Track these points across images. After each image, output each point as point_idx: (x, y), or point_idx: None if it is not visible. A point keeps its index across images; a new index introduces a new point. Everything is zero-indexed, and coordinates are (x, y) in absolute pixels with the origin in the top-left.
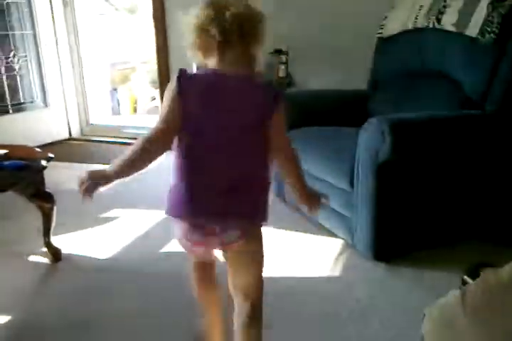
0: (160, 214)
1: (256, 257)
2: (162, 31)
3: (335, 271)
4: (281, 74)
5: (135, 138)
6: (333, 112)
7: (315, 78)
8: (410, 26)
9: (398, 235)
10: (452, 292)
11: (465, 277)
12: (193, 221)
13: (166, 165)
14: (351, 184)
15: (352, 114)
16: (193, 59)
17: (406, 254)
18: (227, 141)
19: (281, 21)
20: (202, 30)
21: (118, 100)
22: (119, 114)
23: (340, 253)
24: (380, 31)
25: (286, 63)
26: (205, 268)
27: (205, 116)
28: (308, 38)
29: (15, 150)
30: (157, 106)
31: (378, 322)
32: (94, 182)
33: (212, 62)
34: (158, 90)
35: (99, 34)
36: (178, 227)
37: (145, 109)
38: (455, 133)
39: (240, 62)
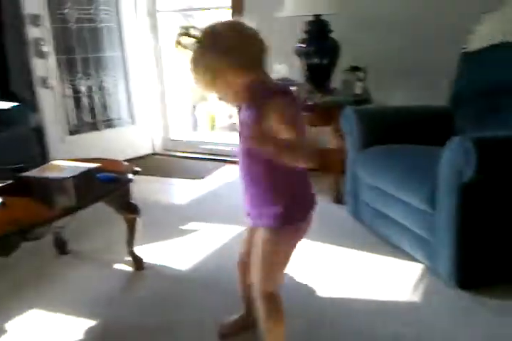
0: (234, 228)
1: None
2: None
3: (415, 296)
4: (358, 91)
5: (213, 154)
6: (413, 129)
7: (393, 95)
8: (498, 40)
9: (485, 262)
10: None
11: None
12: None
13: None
14: (432, 205)
15: (432, 131)
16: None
17: (493, 284)
18: None
19: (359, 38)
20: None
21: (196, 117)
22: (196, 130)
23: (420, 279)
24: (465, 46)
25: (363, 80)
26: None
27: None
28: (386, 54)
29: (105, 164)
30: (234, 123)
31: None
32: None
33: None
34: (235, 108)
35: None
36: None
37: (222, 126)
38: None
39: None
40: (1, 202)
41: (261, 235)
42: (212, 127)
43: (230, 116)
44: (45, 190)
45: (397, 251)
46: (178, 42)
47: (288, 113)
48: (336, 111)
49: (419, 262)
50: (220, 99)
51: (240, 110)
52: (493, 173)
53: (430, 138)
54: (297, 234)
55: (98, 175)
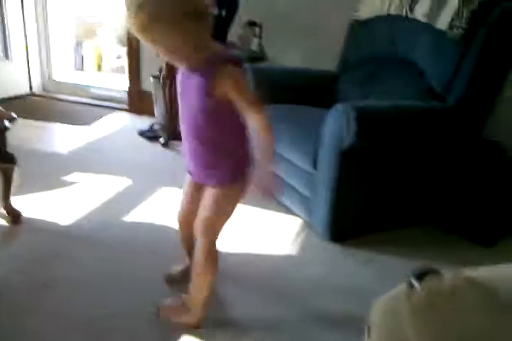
0: (119, 181)
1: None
2: None
3: (291, 248)
4: (254, 47)
5: (101, 99)
6: (302, 90)
7: (287, 54)
8: (384, 12)
9: (355, 217)
10: (399, 288)
11: (411, 279)
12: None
13: (130, 131)
14: (314, 166)
15: (320, 93)
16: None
17: (361, 235)
18: None
19: None
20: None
21: (82, 56)
22: (82, 69)
23: (298, 232)
24: (356, 14)
25: (259, 36)
26: None
27: None
28: (283, 13)
29: None
30: (123, 66)
31: (326, 301)
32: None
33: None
34: (125, 48)
35: None
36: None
37: (110, 67)
38: (417, 124)
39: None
40: None
41: (211, 190)
42: (99, 67)
43: (119, 57)
44: None
45: (280, 207)
46: None
47: (243, 81)
48: None
49: (300, 217)
50: (159, 55)
51: (178, 71)
52: (370, 141)
53: (317, 99)
54: (243, 190)
55: None
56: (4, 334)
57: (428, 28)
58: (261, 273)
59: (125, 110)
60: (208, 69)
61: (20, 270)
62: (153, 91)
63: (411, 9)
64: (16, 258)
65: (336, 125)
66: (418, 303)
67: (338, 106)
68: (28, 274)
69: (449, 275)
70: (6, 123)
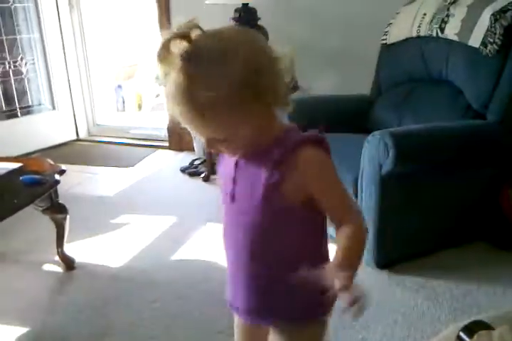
0: (166, 220)
1: None
2: (167, 25)
3: None
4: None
5: (142, 139)
6: (335, 118)
7: (319, 83)
8: (414, 34)
9: (401, 242)
10: (449, 331)
11: (461, 333)
12: None
13: (172, 168)
14: (355, 194)
15: (356, 118)
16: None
17: (409, 260)
18: None
19: (287, 27)
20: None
21: (123, 97)
22: (123, 110)
23: None
24: (384, 37)
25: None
26: None
27: None
28: (312, 41)
29: (28, 163)
30: (161, 104)
31: (376, 331)
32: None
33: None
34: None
35: (104, 32)
36: None
37: (150, 106)
38: (458, 143)
39: None
40: None
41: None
42: (140, 107)
43: (157, 95)
44: None
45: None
46: (167, 49)
47: (328, 167)
48: None
49: None
50: (211, 145)
51: (223, 159)
52: (411, 165)
53: (354, 126)
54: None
55: (21, 178)
56: None
57: (461, 46)
58: None
59: (166, 148)
60: (278, 153)
61: (78, 317)
62: None
63: (441, 29)
64: (73, 305)
65: (374, 152)
66: None
67: (376, 133)
68: (86, 322)
69: (500, 330)
70: (57, 176)
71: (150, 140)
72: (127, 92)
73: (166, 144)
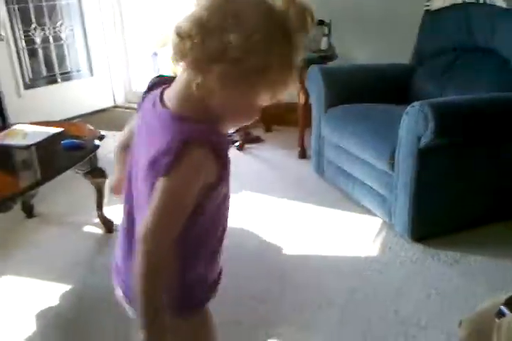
0: None
1: None
2: None
3: (371, 249)
4: (323, 46)
5: None
6: (375, 87)
7: (357, 51)
8: (459, 0)
9: (437, 216)
10: (489, 310)
11: (502, 308)
12: None
13: None
14: (392, 166)
15: (395, 88)
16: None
17: (444, 235)
18: None
19: None
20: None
21: (158, 64)
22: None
23: (378, 233)
24: (428, 3)
25: (328, 35)
26: None
27: None
28: (352, 9)
29: (69, 128)
30: None
31: (410, 305)
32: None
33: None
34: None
35: None
36: None
37: None
38: (500, 117)
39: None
40: None
41: None
42: (175, 73)
43: None
44: (10, 160)
45: (358, 207)
46: None
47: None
48: (302, 68)
49: (379, 217)
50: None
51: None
52: (450, 138)
53: (391, 95)
54: None
55: (62, 142)
56: None
57: (509, 13)
58: (343, 276)
59: None
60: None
61: None
62: None
63: None
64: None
65: (413, 123)
66: (508, 333)
67: (415, 104)
68: None
69: None
70: (97, 141)
71: None
72: (162, 59)
73: None
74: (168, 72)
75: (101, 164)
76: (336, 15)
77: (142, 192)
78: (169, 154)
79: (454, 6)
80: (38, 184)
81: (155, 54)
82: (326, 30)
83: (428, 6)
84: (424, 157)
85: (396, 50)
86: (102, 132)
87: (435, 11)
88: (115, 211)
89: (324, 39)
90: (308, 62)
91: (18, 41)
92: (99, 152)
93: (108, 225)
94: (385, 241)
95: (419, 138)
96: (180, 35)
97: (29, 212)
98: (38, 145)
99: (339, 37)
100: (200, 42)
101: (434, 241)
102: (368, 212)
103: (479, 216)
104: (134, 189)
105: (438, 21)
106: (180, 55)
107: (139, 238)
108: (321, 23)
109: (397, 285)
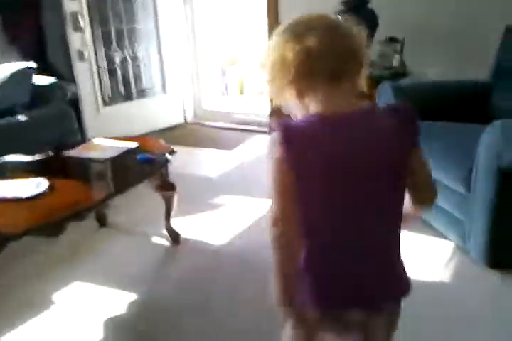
0: (264, 203)
1: None
2: (274, 10)
3: (444, 275)
4: (395, 63)
5: (243, 124)
6: (452, 105)
7: (431, 68)
8: None
9: None
10: None
11: None
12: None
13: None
14: (468, 187)
15: (473, 107)
16: (281, 99)
17: None
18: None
19: (398, 9)
20: (306, 65)
21: (226, 83)
22: (226, 95)
23: (451, 257)
24: None
25: (400, 52)
26: None
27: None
28: (425, 26)
29: (143, 143)
30: (262, 90)
31: (488, 337)
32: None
33: (311, 102)
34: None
35: (213, 21)
36: None
37: (252, 91)
38: None
39: (349, 96)
40: (49, 185)
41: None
42: (242, 91)
43: (259, 81)
44: (89, 172)
45: (431, 229)
46: None
47: (270, 158)
48: (372, 85)
49: (451, 241)
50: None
51: None
52: None
53: (469, 114)
54: None
55: (138, 157)
56: None
57: None
58: (415, 302)
59: (265, 132)
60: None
61: (180, 290)
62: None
63: None
64: (176, 278)
65: (493, 143)
66: None
67: (496, 123)
68: (187, 294)
69: None
70: (168, 156)
71: (250, 124)
72: (231, 78)
73: (266, 129)
74: (235, 90)
75: (171, 177)
76: (409, 33)
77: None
78: None
79: None
80: (111, 196)
81: (223, 72)
82: (398, 47)
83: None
84: (506, 177)
85: (469, 67)
86: (174, 147)
87: None
88: (181, 224)
89: (396, 56)
90: (380, 78)
91: (100, 61)
92: (170, 166)
93: (174, 237)
94: (458, 266)
95: (499, 157)
96: None
97: (102, 221)
98: (115, 159)
99: (411, 54)
100: None
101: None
102: (440, 234)
103: None
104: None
105: None
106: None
107: None
108: (394, 40)
109: (470, 315)
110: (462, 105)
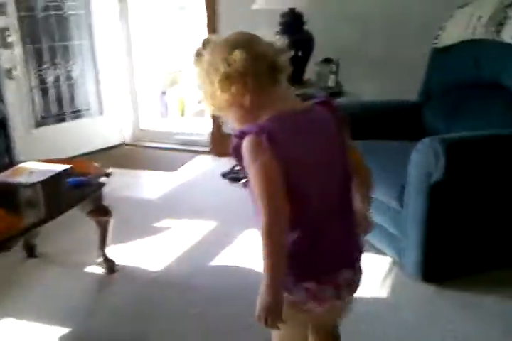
0: (206, 224)
1: None
2: (212, 29)
3: (381, 290)
4: (331, 83)
5: (185, 144)
6: (384, 124)
7: (365, 88)
8: (468, 37)
9: (449, 257)
10: None
11: None
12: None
13: (214, 173)
14: (401, 203)
15: (402, 125)
16: (227, 114)
17: (457, 277)
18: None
19: (333, 31)
20: (242, 76)
21: (166, 103)
22: (166, 116)
23: (388, 273)
24: (436, 41)
25: (335, 72)
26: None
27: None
28: (359, 47)
29: (76, 165)
30: (203, 110)
31: None
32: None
33: (261, 107)
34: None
35: (150, 39)
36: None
37: (192, 112)
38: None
39: (291, 96)
40: None
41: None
42: (183, 112)
43: (199, 101)
44: (14, 198)
45: (368, 245)
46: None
47: (251, 158)
48: None
49: (389, 256)
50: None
51: None
52: (461, 174)
53: (400, 132)
54: None
55: (68, 180)
56: None
57: None
58: (350, 318)
59: (207, 153)
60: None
61: (117, 321)
62: None
63: (498, 32)
64: (112, 308)
65: (423, 160)
66: None
67: (425, 140)
68: (124, 325)
69: None
70: (102, 179)
71: (192, 145)
72: (171, 98)
73: (207, 149)
74: (175, 110)
75: (106, 202)
76: (344, 54)
77: None
78: None
79: (462, 43)
80: (39, 223)
81: (163, 93)
82: (333, 67)
83: (436, 43)
84: (435, 194)
85: (402, 87)
86: (110, 169)
87: (443, 48)
88: (117, 250)
89: (332, 76)
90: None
91: (31, 80)
92: (105, 189)
93: (110, 265)
94: (394, 281)
95: (429, 175)
96: None
97: (31, 251)
98: (43, 183)
99: (346, 74)
100: None
101: (446, 282)
102: (378, 251)
103: (495, 257)
104: None
105: (446, 58)
106: None
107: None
108: (329, 61)
109: (408, 328)
110: (394, 124)
